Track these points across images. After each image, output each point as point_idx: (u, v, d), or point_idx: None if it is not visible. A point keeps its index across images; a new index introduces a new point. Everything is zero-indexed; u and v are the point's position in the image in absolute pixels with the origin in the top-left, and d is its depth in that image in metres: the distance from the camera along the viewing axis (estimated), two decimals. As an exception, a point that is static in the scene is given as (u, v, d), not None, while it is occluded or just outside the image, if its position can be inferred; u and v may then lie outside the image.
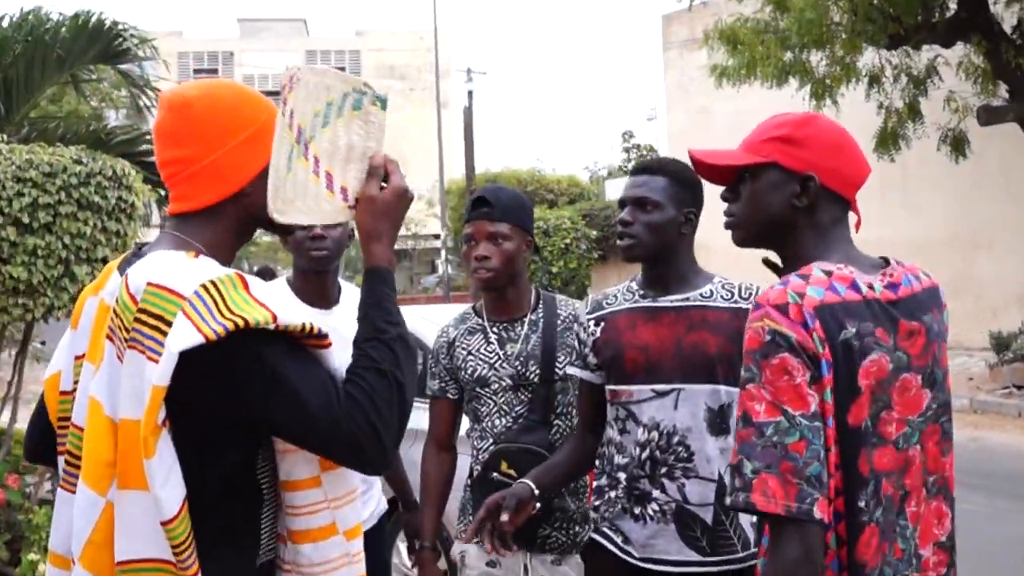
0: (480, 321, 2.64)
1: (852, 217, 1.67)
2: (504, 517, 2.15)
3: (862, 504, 1.46)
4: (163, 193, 6.07)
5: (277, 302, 1.41)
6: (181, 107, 1.52)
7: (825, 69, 11.55)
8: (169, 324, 1.34)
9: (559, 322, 2.57)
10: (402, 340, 1.49)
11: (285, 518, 1.56)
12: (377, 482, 2.87)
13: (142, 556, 1.38)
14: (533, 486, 2.24)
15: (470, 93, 27.58)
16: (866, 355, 1.47)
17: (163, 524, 1.35)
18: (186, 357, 1.32)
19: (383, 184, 1.55)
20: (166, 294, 1.37)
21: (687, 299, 2.25)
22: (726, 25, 11.45)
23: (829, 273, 1.52)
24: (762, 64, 11.30)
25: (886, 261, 1.63)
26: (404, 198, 1.56)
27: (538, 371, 2.50)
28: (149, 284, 1.39)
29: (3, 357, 6.61)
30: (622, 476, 2.25)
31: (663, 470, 2.19)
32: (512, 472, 2.42)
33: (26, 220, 4.10)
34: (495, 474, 2.45)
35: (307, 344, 1.44)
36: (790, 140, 1.61)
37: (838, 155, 1.61)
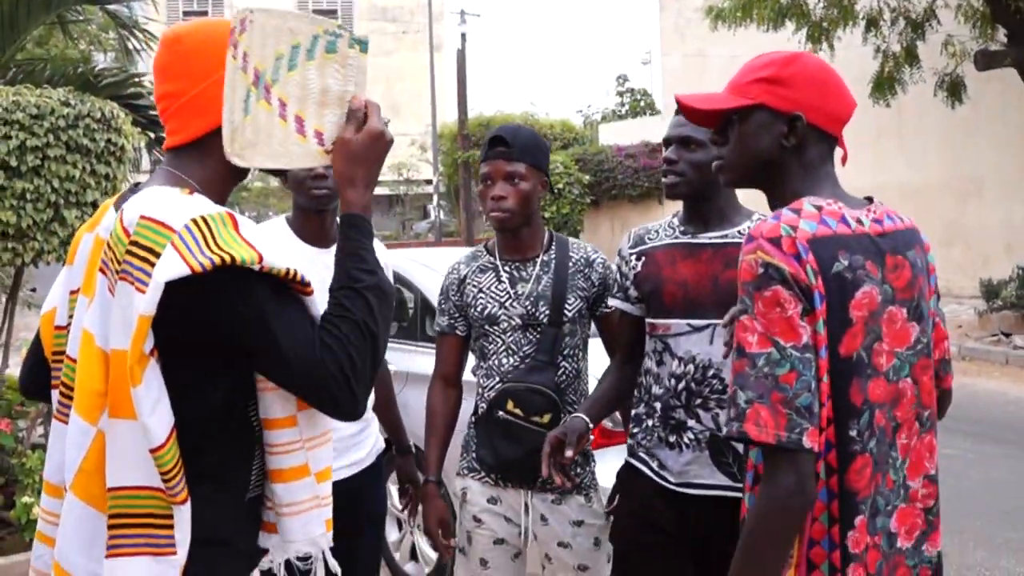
0: (492, 259, 2.64)
1: (838, 152, 1.68)
2: (568, 453, 2.21)
3: (853, 433, 1.49)
4: (152, 136, 6.01)
5: (264, 244, 1.42)
6: (172, 42, 1.55)
7: (822, 11, 11.43)
8: (158, 256, 1.36)
9: (571, 264, 2.57)
10: (377, 289, 1.49)
11: (266, 456, 1.58)
12: (374, 420, 2.88)
13: (133, 483, 1.41)
14: (587, 419, 2.31)
15: (463, 36, 27.18)
16: (858, 287, 1.49)
17: (151, 452, 1.38)
18: (172, 288, 1.34)
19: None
20: (157, 227, 1.39)
21: (725, 236, 2.29)
22: (723, -34, 11.31)
23: (819, 208, 1.53)
24: (758, 6, 11.17)
25: (869, 200, 1.65)
26: (380, 141, 1.54)
27: (547, 312, 2.51)
28: (142, 217, 1.41)
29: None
30: (658, 406, 2.30)
31: (698, 401, 2.23)
32: (518, 411, 2.45)
33: (14, 163, 4.05)
34: (501, 413, 2.47)
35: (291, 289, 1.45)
36: (776, 80, 1.60)
37: (824, 92, 1.61)
